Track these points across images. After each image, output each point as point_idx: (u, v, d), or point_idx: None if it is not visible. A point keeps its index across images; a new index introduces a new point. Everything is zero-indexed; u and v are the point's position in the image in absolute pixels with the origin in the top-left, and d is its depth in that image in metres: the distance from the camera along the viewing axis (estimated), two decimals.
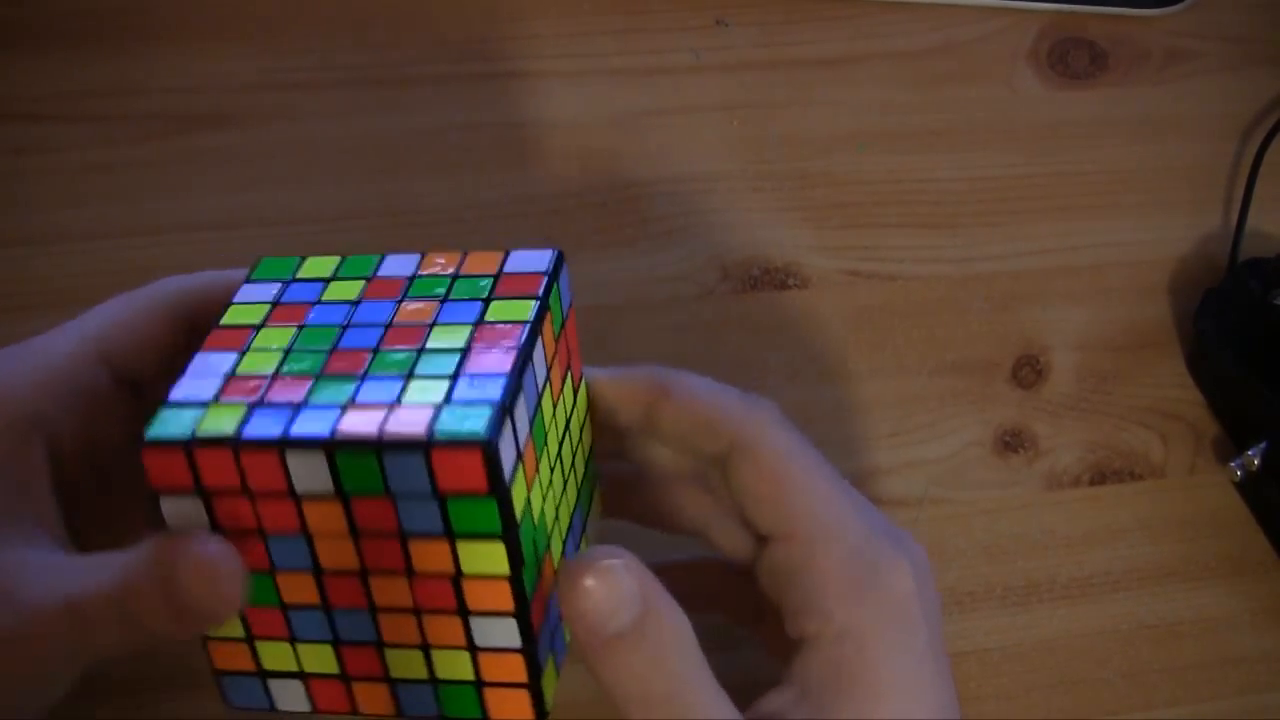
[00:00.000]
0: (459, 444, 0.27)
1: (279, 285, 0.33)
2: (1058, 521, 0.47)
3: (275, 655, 0.32)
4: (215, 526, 0.30)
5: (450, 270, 0.33)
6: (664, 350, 0.47)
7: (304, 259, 0.34)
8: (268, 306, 0.33)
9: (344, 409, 0.29)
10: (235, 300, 0.33)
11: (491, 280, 0.32)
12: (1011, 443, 0.48)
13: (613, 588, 0.29)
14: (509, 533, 0.28)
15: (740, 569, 0.36)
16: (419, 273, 0.33)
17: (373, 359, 0.30)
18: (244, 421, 0.29)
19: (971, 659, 0.45)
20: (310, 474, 0.28)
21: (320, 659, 0.32)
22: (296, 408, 0.29)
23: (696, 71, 0.52)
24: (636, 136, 0.50)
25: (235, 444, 0.28)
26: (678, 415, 0.33)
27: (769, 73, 0.52)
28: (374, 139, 0.49)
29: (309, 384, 0.30)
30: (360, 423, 0.28)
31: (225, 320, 0.33)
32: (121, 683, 0.41)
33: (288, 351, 0.31)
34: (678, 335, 0.48)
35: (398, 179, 0.49)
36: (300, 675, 0.32)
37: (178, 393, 0.30)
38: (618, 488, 0.37)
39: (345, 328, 0.32)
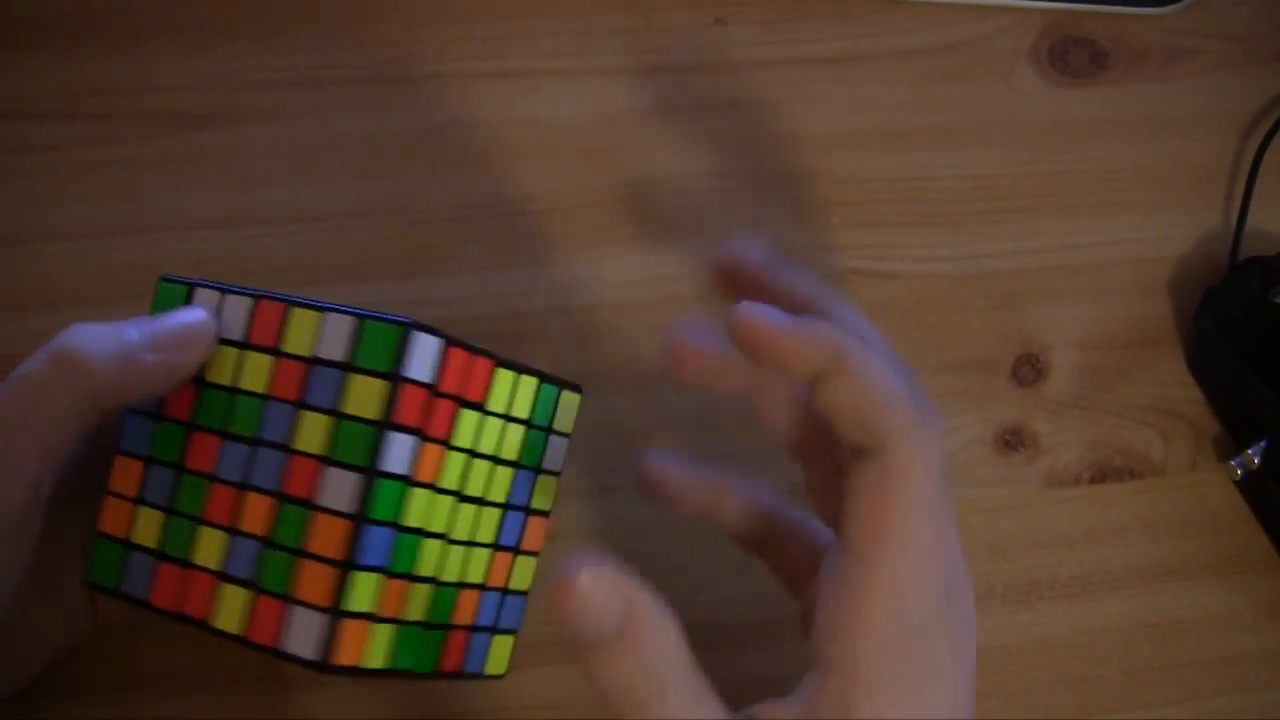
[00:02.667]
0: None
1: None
2: (1058, 520, 0.47)
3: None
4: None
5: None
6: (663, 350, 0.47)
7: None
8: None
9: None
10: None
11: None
12: (1012, 441, 0.48)
13: (597, 594, 0.29)
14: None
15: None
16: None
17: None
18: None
19: None
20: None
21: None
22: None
23: (696, 70, 0.52)
24: (636, 135, 0.50)
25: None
26: (841, 397, 0.32)
27: (769, 71, 0.52)
28: (373, 138, 0.49)
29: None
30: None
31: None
32: (107, 683, 0.41)
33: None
34: None
35: (397, 178, 0.49)
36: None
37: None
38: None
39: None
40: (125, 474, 0.36)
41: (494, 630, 0.38)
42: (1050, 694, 0.45)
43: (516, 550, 0.38)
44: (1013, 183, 0.52)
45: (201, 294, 0.36)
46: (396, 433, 0.32)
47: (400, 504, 0.32)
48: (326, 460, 0.32)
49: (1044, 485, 0.47)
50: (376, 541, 0.32)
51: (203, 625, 0.33)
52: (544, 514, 0.39)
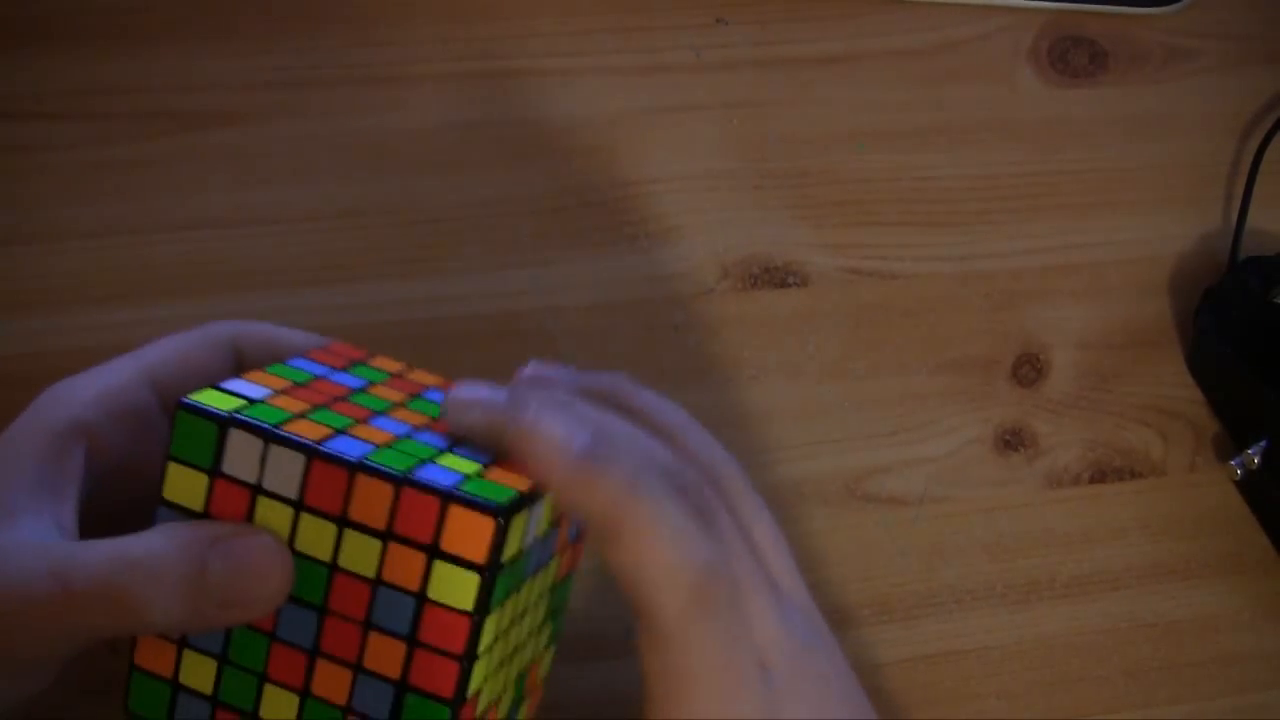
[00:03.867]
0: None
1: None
2: (1058, 520, 0.47)
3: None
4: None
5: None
6: (663, 349, 0.47)
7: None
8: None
9: None
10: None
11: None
12: (1011, 441, 0.48)
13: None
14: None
15: None
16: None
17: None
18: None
19: (972, 657, 0.45)
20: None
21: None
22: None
23: (696, 70, 0.52)
24: (636, 135, 0.50)
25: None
26: (619, 569, 0.30)
27: (769, 71, 0.52)
28: (375, 137, 0.49)
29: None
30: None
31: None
32: (106, 683, 0.41)
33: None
34: (678, 334, 0.48)
35: (398, 177, 0.49)
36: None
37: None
38: None
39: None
40: None
41: None
42: (1050, 693, 0.45)
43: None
44: (1013, 183, 0.52)
45: (238, 439, 0.31)
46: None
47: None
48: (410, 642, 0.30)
49: (1044, 485, 0.47)
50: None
51: None
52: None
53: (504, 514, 0.29)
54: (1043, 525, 0.47)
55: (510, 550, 0.30)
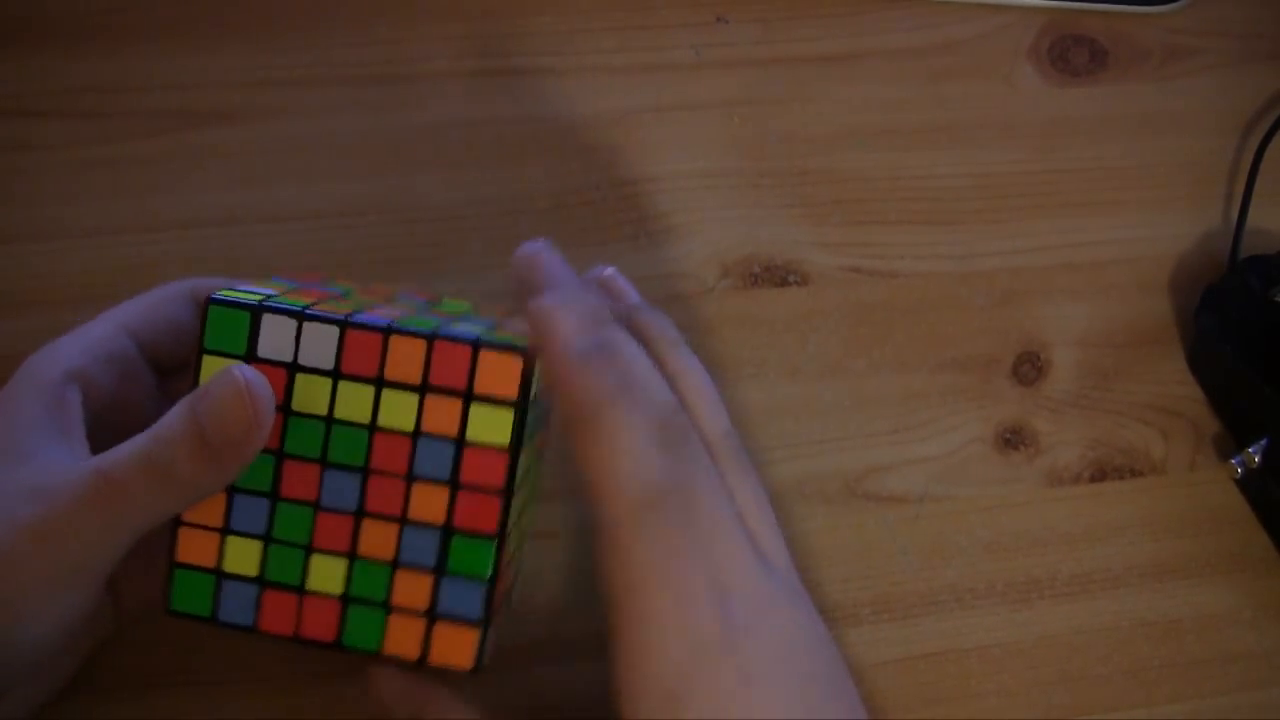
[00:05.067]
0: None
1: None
2: (1058, 518, 0.47)
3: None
4: None
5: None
6: None
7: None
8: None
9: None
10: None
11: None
12: (1012, 439, 0.48)
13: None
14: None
15: None
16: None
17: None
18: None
19: (973, 655, 0.45)
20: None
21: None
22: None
23: (697, 68, 0.52)
24: (637, 133, 0.50)
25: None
26: (585, 457, 0.32)
27: (770, 69, 0.52)
28: (374, 136, 0.49)
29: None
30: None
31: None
32: (121, 682, 0.41)
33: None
34: None
35: (398, 175, 0.49)
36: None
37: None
38: None
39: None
40: (204, 505, 0.34)
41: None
42: (1051, 692, 0.45)
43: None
44: (1013, 181, 0.52)
45: (271, 323, 0.33)
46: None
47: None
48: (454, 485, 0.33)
49: (1044, 484, 0.47)
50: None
51: (324, 646, 0.34)
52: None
53: (529, 354, 0.33)
54: (1043, 524, 0.47)
55: (532, 390, 0.33)
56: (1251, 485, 0.47)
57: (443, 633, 0.33)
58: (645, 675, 0.31)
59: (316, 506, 0.33)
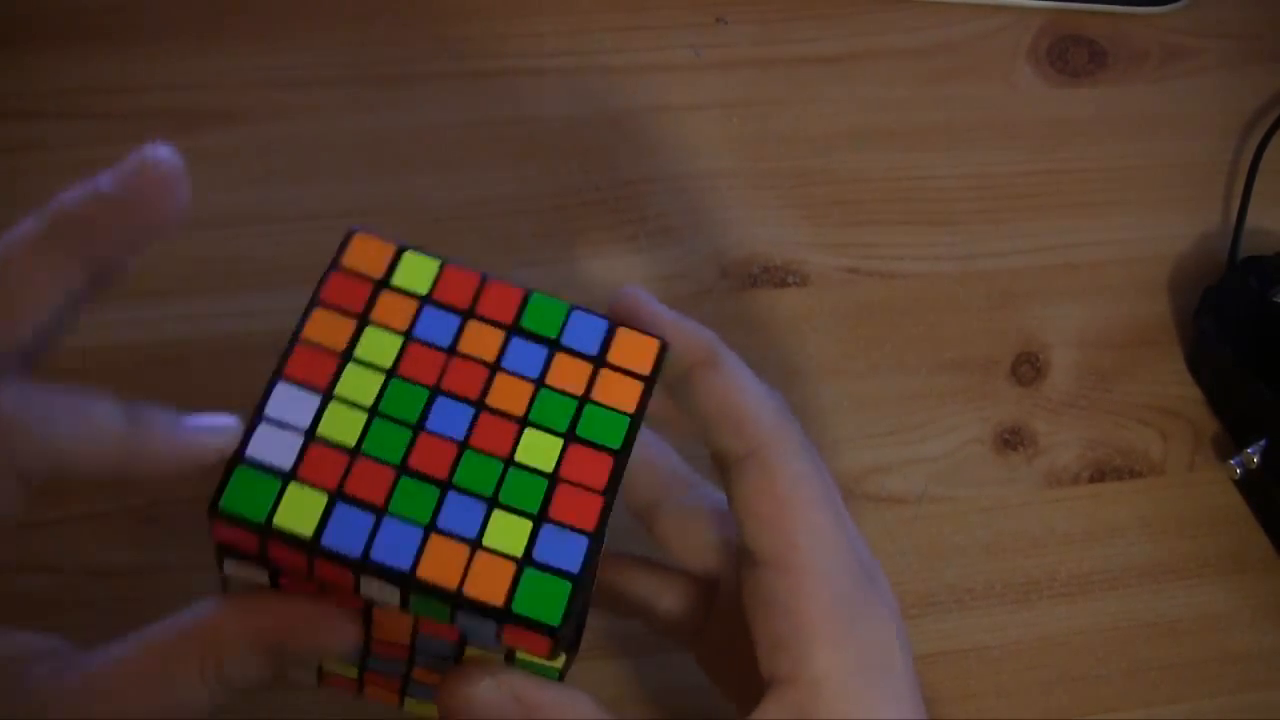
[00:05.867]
0: (531, 625, 0.28)
1: (369, 289, 0.32)
2: (1057, 519, 0.47)
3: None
4: (275, 585, 0.30)
5: (551, 336, 0.32)
6: None
7: (400, 256, 0.32)
8: (352, 326, 0.31)
9: (426, 534, 0.29)
10: (322, 299, 0.31)
11: (590, 372, 0.32)
12: (1011, 440, 0.48)
13: (489, 698, 0.29)
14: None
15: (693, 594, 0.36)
16: (520, 324, 0.32)
17: (458, 462, 0.30)
18: (323, 522, 0.28)
19: (971, 656, 0.45)
20: (381, 591, 0.29)
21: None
22: (378, 516, 0.29)
23: (696, 69, 0.52)
24: (636, 134, 0.50)
25: (312, 548, 0.28)
26: (715, 392, 0.32)
27: (769, 70, 0.52)
28: (375, 136, 0.49)
29: (391, 478, 0.29)
30: (440, 565, 0.28)
31: (309, 334, 0.31)
32: None
33: (372, 415, 0.30)
34: None
35: (399, 176, 0.49)
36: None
37: (255, 447, 0.29)
38: None
39: (434, 394, 0.31)
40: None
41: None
42: (1049, 692, 0.45)
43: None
44: (1012, 182, 0.52)
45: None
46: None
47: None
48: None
49: (1043, 484, 0.47)
50: None
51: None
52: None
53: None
54: (1042, 524, 0.47)
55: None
56: (1251, 486, 0.47)
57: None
58: (820, 598, 0.31)
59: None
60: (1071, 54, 0.54)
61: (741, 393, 0.32)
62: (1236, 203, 0.51)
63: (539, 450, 0.31)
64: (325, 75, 0.50)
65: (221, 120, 0.49)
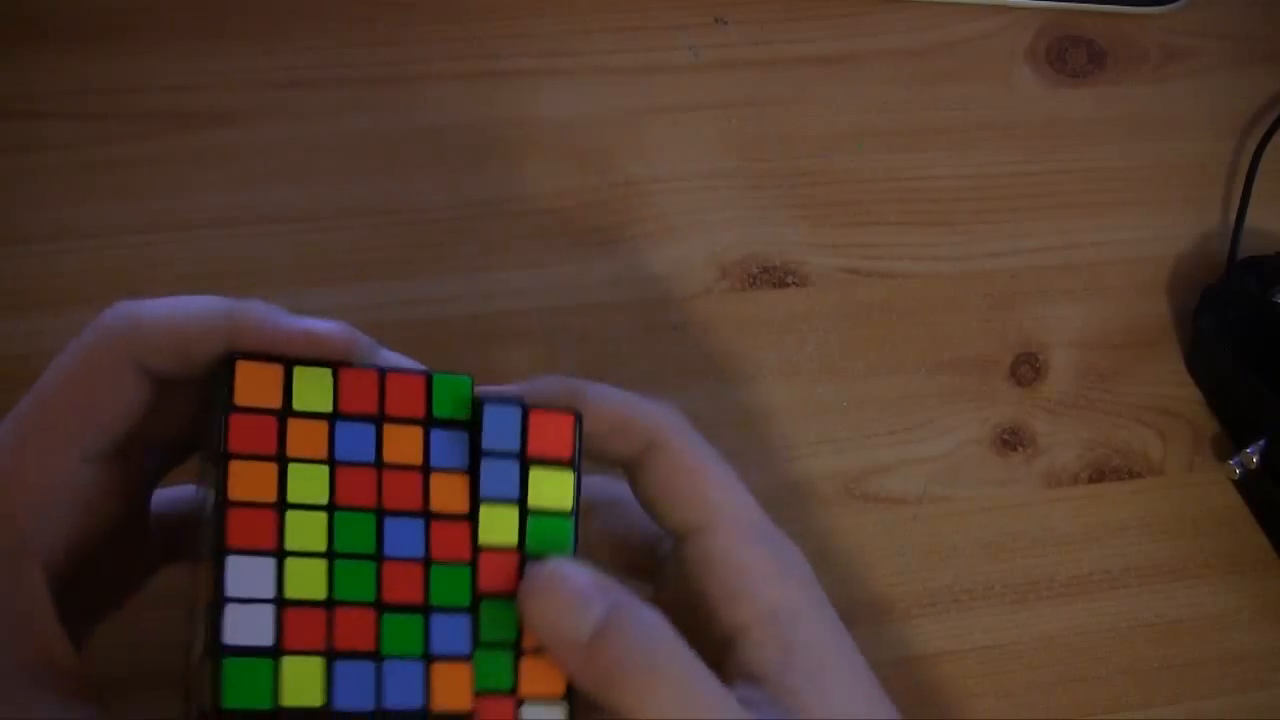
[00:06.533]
0: None
1: (274, 424, 0.30)
2: (1056, 519, 0.47)
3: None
4: None
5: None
6: (662, 349, 0.47)
7: (290, 374, 0.30)
8: (274, 470, 0.30)
9: (427, 666, 0.29)
10: (232, 450, 0.29)
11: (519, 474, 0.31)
12: (1010, 441, 0.48)
13: (580, 587, 0.30)
14: None
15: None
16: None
17: (428, 581, 0.30)
18: (329, 686, 0.28)
19: (971, 656, 0.45)
20: None
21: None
22: (377, 663, 0.29)
23: (695, 69, 0.52)
24: (634, 134, 0.50)
25: (326, 716, 0.28)
26: (593, 417, 0.33)
27: (767, 71, 0.52)
28: (373, 137, 0.49)
29: (373, 618, 0.29)
30: (450, 692, 0.29)
31: (236, 494, 0.29)
32: (111, 684, 0.41)
33: (331, 559, 0.29)
34: (676, 334, 0.48)
35: (397, 177, 0.49)
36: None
37: (232, 633, 0.28)
38: None
39: (380, 516, 0.30)
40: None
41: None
42: (1049, 693, 0.45)
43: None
44: (1011, 182, 0.52)
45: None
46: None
47: None
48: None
49: (1042, 485, 0.47)
50: None
51: None
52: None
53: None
54: (1042, 525, 0.47)
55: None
56: (1250, 486, 0.47)
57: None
58: (755, 546, 0.33)
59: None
60: (1070, 54, 0.54)
61: (615, 401, 0.33)
62: (1236, 203, 0.51)
63: (499, 528, 0.31)
64: (325, 75, 0.50)
65: (221, 120, 0.49)
